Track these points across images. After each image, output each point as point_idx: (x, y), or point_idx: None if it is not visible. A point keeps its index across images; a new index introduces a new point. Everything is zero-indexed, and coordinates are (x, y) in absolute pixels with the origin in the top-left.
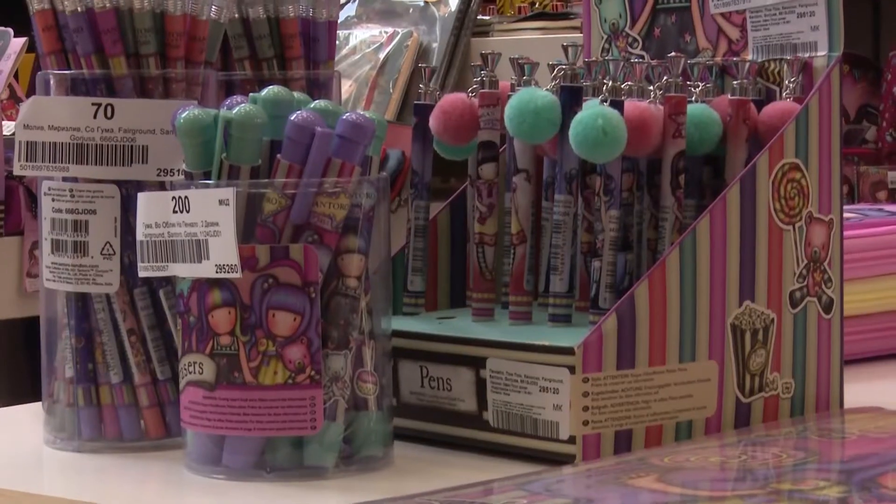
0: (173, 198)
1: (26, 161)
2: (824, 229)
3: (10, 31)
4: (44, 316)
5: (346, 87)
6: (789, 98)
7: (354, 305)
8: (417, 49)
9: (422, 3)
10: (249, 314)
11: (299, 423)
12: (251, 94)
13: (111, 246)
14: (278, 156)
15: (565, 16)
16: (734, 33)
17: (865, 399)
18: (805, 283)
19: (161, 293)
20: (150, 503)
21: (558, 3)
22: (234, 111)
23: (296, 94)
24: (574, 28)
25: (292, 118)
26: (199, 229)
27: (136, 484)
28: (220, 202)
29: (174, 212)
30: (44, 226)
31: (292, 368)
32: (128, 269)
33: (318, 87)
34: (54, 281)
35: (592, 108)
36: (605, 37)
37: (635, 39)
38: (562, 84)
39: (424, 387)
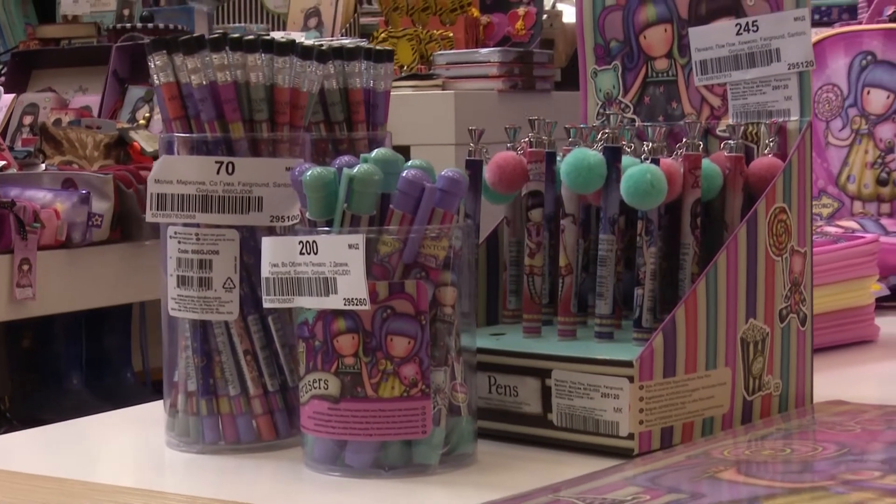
0: (300, 241)
1: (157, 210)
2: (801, 259)
3: (1, 88)
4: (166, 339)
5: None
6: (770, 154)
7: (450, 329)
8: None
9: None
10: (371, 339)
11: (413, 428)
12: (362, 155)
13: (231, 280)
14: (391, 206)
15: (430, 76)
16: (716, 101)
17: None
18: (789, 302)
19: (269, 319)
20: (279, 498)
21: (422, 67)
22: (355, 170)
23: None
24: (437, 86)
25: (405, 175)
26: (328, 268)
27: (258, 481)
28: (350, 246)
29: (301, 253)
30: (169, 264)
31: (407, 384)
32: (243, 300)
33: (377, 144)
34: (180, 310)
35: (640, 165)
36: (601, 103)
37: (627, 106)
38: (605, 145)
39: (492, 393)
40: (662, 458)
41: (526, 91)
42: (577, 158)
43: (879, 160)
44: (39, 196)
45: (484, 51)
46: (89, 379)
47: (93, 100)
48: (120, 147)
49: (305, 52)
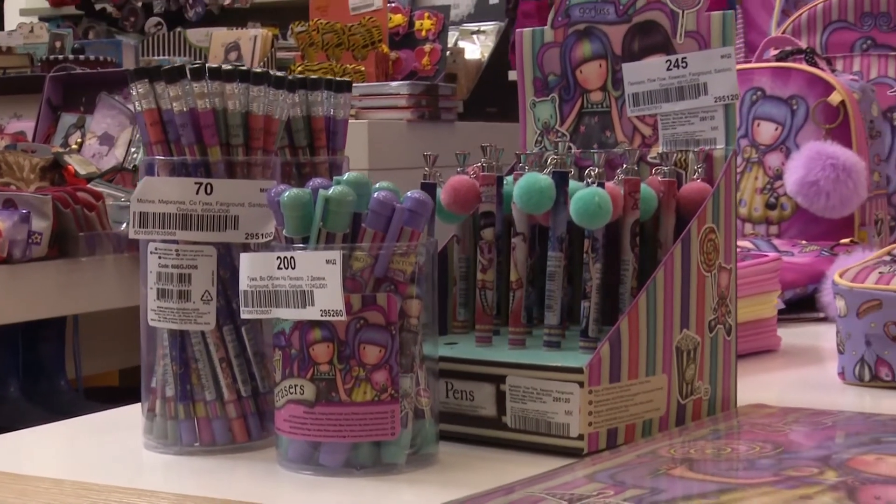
0: (278, 257)
1: (139, 227)
2: (727, 275)
3: None
4: (145, 348)
5: None
6: (698, 179)
7: (415, 338)
8: None
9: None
10: (345, 347)
11: (382, 430)
12: (335, 177)
13: (209, 293)
14: (363, 224)
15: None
16: (647, 131)
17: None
18: (717, 314)
19: (243, 330)
20: (260, 496)
21: None
22: (331, 191)
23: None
24: (351, 116)
25: (376, 196)
26: (305, 282)
27: (237, 479)
28: (328, 261)
29: (279, 268)
30: (149, 277)
31: (378, 389)
32: (218, 311)
33: (336, 168)
34: (159, 321)
35: (588, 188)
36: (539, 132)
37: (564, 134)
38: (554, 170)
39: (449, 397)
40: (610, 457)
41: (432, 121)
42: (530, 182)
43: (768, 186)
44: None
45: (393, 84)
46: (25, 386)
47: (27, 125)
48: (55, 170)
49: (278, 82)
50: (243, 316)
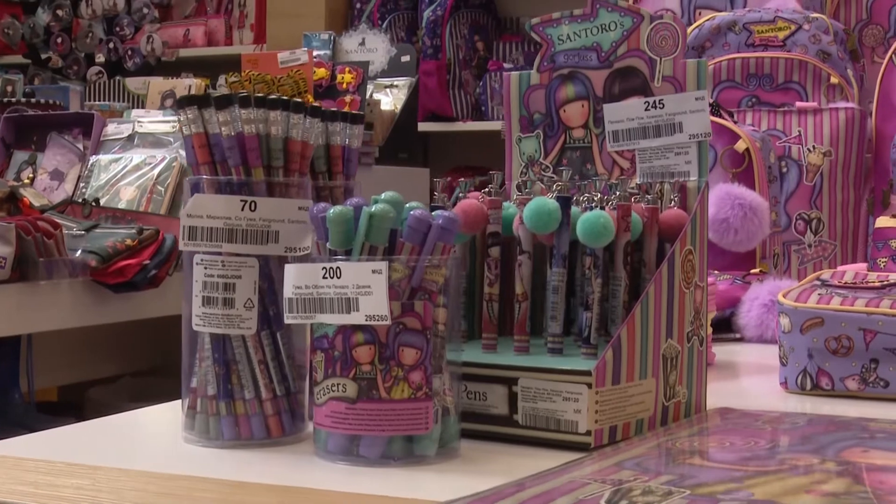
0: (324, 268)
1: (189, 240)
2: (701, 292)
3: None
4: (186, 351)
5: (132, 191)
6: (675, 207)
7: (443, 343)
8: (180, 168)
9: (182, 137)
10: (385, 349)
11: (417, 425)
12: (373, 197)
13: (251, 301)
14: (401, 239)
15: None
16: (625, 164)
17: None
18: (693, 326)
19: (278, 335)
20: (307, 481)
21: None
22: (374, 208)
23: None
24: None
25: (414, 213)
26: (350, 290)
27: (280, 470)
28: (374, 271)
29: (324, 277)
30: (195, 286)
31: (414, 387)
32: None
33: (349, 191)
34: (203, 326)
35: (594, 211)
36: (524, 164)
37: (547, 167)
38: (558, 195)
39: (463, 398)
40: (613, 454)
41: None
42: (539, 205)
43: None
44: None
45: None
46: None
47: None
48: (10, 202)
49: (313, 112)
50: (287, 321)
